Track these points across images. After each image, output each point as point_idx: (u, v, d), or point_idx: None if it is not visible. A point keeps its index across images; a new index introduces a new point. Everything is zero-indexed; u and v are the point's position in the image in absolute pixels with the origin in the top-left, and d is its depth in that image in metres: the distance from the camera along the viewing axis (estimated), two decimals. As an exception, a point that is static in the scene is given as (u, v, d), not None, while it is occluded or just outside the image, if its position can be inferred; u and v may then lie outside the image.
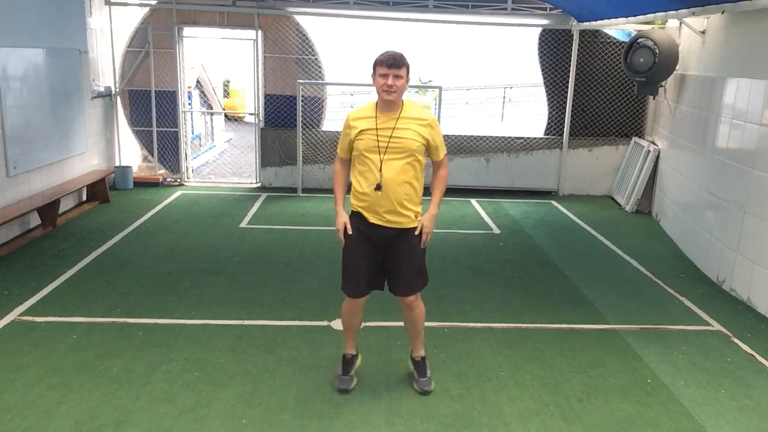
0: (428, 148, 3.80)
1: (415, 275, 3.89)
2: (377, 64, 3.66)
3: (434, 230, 3.99)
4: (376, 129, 3.67)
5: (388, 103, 3.68)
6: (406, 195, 3.73)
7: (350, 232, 3.80)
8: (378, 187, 3.67)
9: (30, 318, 4.98)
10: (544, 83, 10.31)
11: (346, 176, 3.96)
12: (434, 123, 3.78)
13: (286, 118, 9.96)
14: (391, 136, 3.66)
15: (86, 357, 4.38)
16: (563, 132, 10.13)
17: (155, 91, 9.82)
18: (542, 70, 10.20)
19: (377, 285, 3.96)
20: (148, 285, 5.76)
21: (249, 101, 16.71)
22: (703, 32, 7.47)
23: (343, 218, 3.84)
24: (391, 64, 3.60)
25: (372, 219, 3.76)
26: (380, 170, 3.66)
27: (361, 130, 3.70)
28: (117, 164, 9.81)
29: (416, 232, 3.82)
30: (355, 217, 3.85)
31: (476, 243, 7.46)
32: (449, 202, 9.37)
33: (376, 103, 3.76)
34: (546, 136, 10.29)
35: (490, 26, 10.25)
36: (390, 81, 3.59)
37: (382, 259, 3.88)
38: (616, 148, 10.12)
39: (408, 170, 3.71)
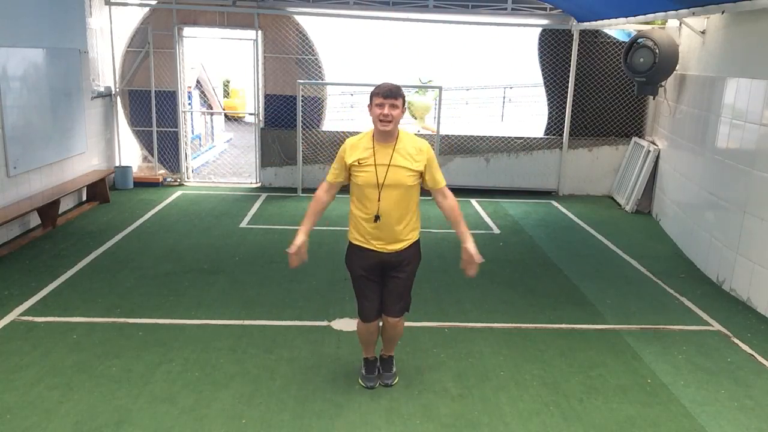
0: (424, 178, 3.82)
1: (407, 299, 4.02)
2: (374, 95, 3.73)
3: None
4: (375, 165, 3.73)
5: (385, 134, 3.73)
6: (405, 224, 3.81)
7: (306, 258, 3.86)
8: (377, 218, 3.75)
9: (30, 318, 4.98)
10: (544, 83, 10.31)
11: (324, 205, 3.98)
12: (429, 150, 3.84)
13: (286, 118, 9.96)
14: (387, 171, 3.72)
15: (86, 357, 4.38)
16: (563, 132, 10.12)
17: (155, 91, 9.82)
18: (542, 70, 10.19)
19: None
20: (148, 285, 5.76)
21: (249, 101, 16.70)
22: (703, 32, 7.47)
23: (300, 241, 3.85)
24: (387, 95, 3.67)
25: (373, 246, 3.82)
26: (378, 201, 3.73)
27: (360, 162, 3.74)
28: (117, 164, 9.81)
29: (464, 267, 3.99)
30: (356, 249, 3.90)
31: (476, 243, 7.43)
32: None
33: (373, 135, 3.80)
34: (546, 136, 10.28)
35: (490, 26, 10.25)
36: (386, 110, 3.66)
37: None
38: (616, 148, 10.12)
39: (405, 199, 3.77)
